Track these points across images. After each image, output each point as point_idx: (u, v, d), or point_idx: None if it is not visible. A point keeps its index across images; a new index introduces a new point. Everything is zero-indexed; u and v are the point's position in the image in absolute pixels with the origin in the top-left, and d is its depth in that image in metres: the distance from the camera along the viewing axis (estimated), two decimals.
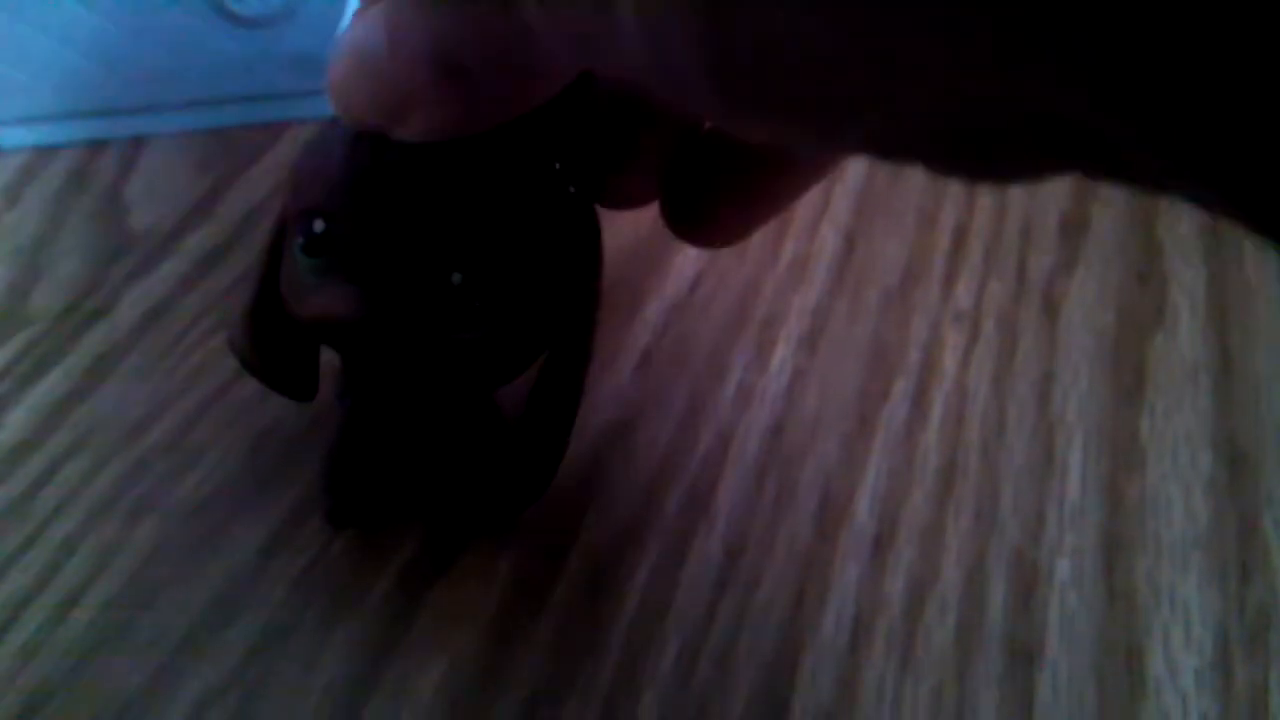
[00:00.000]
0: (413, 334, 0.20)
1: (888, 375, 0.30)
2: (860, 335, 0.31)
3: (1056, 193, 0.35)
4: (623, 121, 0.21)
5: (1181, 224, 0.35)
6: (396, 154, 0.19)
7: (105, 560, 0.25)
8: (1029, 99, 0.10)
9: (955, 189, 0.35)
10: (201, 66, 0.34)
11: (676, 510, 0.27)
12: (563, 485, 0.25)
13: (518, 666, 0.24)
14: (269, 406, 0.27)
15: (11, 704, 0.22)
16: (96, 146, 0.34)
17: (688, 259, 0.32)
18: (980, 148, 0.12)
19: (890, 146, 0.13)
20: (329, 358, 0.23)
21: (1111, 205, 0.35)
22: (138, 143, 0.35)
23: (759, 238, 0.33)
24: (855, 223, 0.34)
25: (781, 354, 0.30)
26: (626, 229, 0.32)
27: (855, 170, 0.35)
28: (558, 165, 0.21)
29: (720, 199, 0.21)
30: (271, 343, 0.23)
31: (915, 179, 0.35)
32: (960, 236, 0.34)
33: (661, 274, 0.32)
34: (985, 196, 0.35)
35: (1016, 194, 0.35)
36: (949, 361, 0.30)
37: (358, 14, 0.17)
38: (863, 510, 0.27)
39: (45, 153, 0.34)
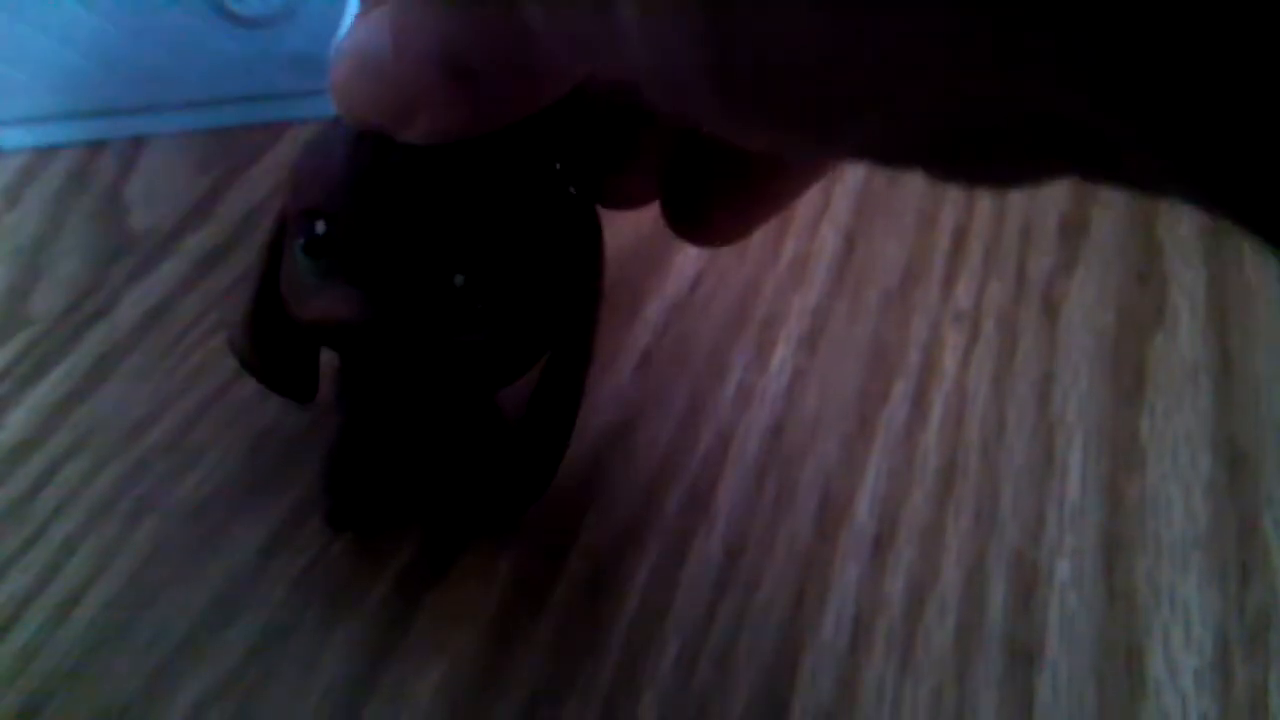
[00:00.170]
0: (415, 336, 0.20)
1: (888, 376, 0.30)
2: (860, 335, 0.31)
3: (1056, 194, 0.35)
4: (622, 122, 0.21)
5: (1181, 225, 0.35)
6: (399, 155, 0.19)
7: (105, 560, 0.25)
8: (1029, 99, 0.10)
9: (955, 190, 0.35)
10: (201, 67, 0.34)
11: (676, 510, 0.27)
12: (563, 485, 0.25)
13: (517, 667, 0.24)
14: (269, 407, 0.27)
15: (12, 704, 0.22)
16: (96, 147, 0.34)
17: (688, 259, 0.32)
18: (980, 150, 0.12)
19: (890, 151, 0.13)
20: (329, 358, 0.23)
21: (1111, 206, 0.35)
22: (138, 143, 0.35)
23: (759, 238, 0.33)
24: (855, 223, 0.34)
25: (781, 354, 0.30)
26: (627, 229, 0.32)
27: (855, 171, 0.35)
28: (558, 166, 0.21)
29: (719, 199, 0.21)
30: (272, 344, 0.23)
31: (915, 179, 0.35)
32: (960, 237, 0.34)
33: (662, 274, 0.32)
34: (985, 198, 0.35)
35: (1016, 195, 0.35)
36: (949, 362, 0.30)
37: (360, 16, 0.17)
38: (863, 510, 0.27)
39: (45, 153, 0.34)
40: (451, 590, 0.25)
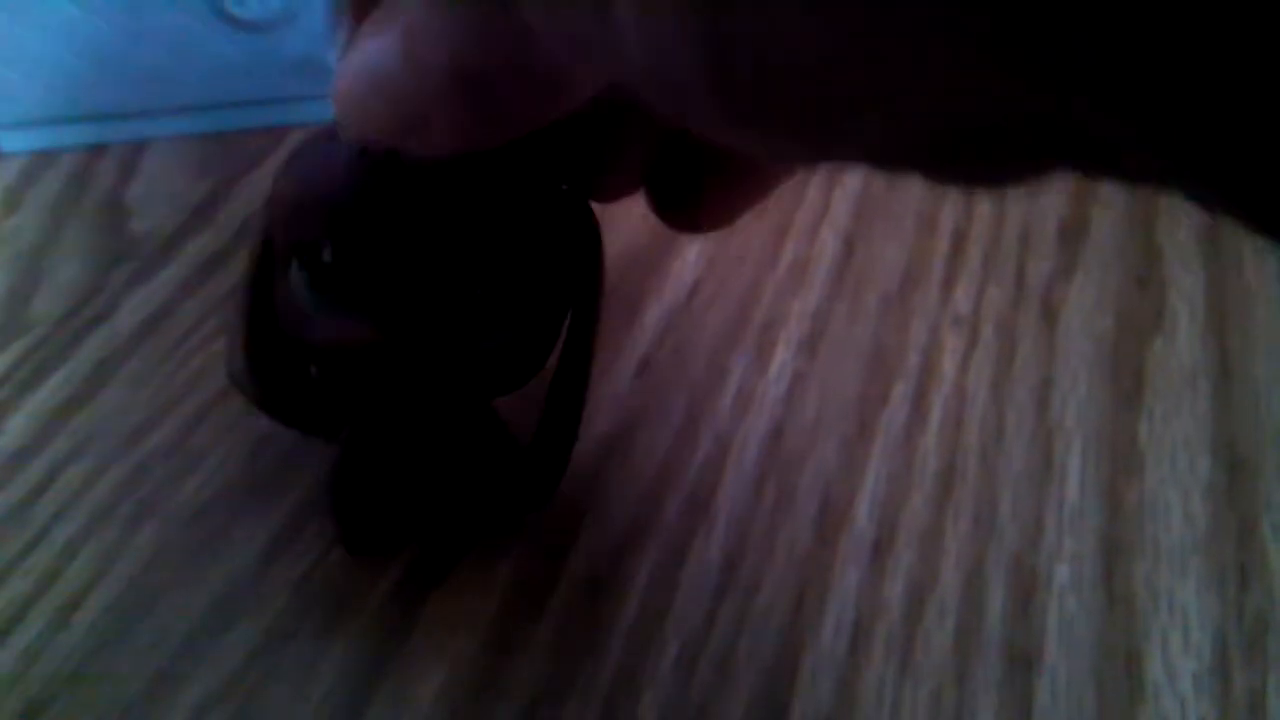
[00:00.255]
0: (438, 349, 0.20)
1: (887, 379, 0.30)
2: (859, 339, 0.31)
3: (1055, 198, 0.35)
4: (605, 117, 0.21)
5: (1180, 229, 0.35)
6: (404, 174, 0.18)
7: (106, 565, 0.25)
8: (1027, 99, 0.10)
9: (954, 193, 0.35)
10: (202, 71, 0.34)
11: (676, 514, 0.27)
12: (563, 489, 0.25)
13: (518, 670, 0.24)
14: None
15: (13, 707, 0.22)
16: (96, 151, 0.34)
17: (686, 265, 0.32)
18: (979, 150, 0.12)
19: (888, 154, 0.13)
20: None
21: (1110, 210, 0.35)
22: (138, 147, 0.35)
23: (758, 242, 0.33)
24: (855, 227, 0.34)
25: (781, 358, 0.30)
26: (625, 235, 0.32)
27: (855, 175, 0.35)
28: (552, 166, 0.21)
29: (706, 185, 0.21)
30: (279, 377, 0.22)
31: (914, 183, 0.35)
32: (959, 241, 0.34)
33: (660, 279, 0.32)
34: (984, 201, 0.35)
35: (1015, 199, 0.35)
36: (948, 366, 0.30)
37: (362, 34, 0.17)
38: (862, 515, 0.27)
39: (45, 157, 0.34)
40: (452, 594, 0.25)
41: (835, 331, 0.31)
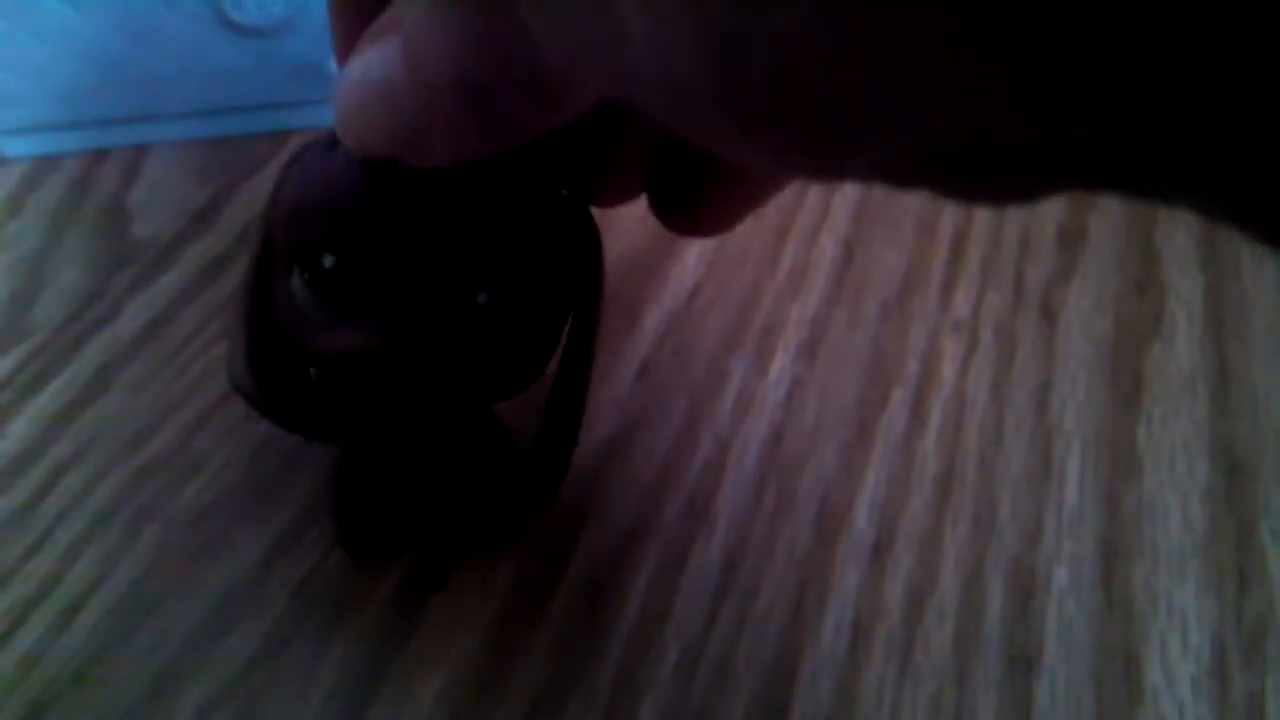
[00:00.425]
0: (441, 356, 0.20)
1: (886, 384, 0.30)
2: (859, 344, 0.31)
3: (1054, 203, 0.35)
4: (605, 122, 0.21)
5: (1179, 233, 0.35)
6: (406, 180, 0.18)
7: (107, 568, 0.25)
8: (1030, 103, 0.10)
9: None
10: (203, 76, 0.34)
11: (676, 518, 0.27)
12: (563, 493, 0.25)
13: (518, 674, 0.24)
14: None
15: (14, 711, 0.22)
16: (98, 156, 0.35)
17: (686, 269, 0.32)
18: (981, 163, 0.12)
19: (892, 166, 0.13)
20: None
21: (1109, 215, 0.35)
22: (139, 152, 0.35)
23: (758, 246, 0.33)
24: (854, 231, 0.34)
25: (780, 363, 0.30)
26: (625, 239, 0.32)
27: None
28: (553, 171, 0.21)
29: (705, 190, 0.21)
30: (280, 382, 0.22)
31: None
32: (958, 245, 0.34)
33: (660, 284, 0.32)
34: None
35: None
36: (947, 370, 0.30)
37: (363, 42, 0.17)
38: (861, 518, 0.27)
39: (47, 162, 0.34)
40: (452, 597, 0.25)
41: (835, 335, 0.31)
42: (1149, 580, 0.26)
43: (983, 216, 0.35)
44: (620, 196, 0.23)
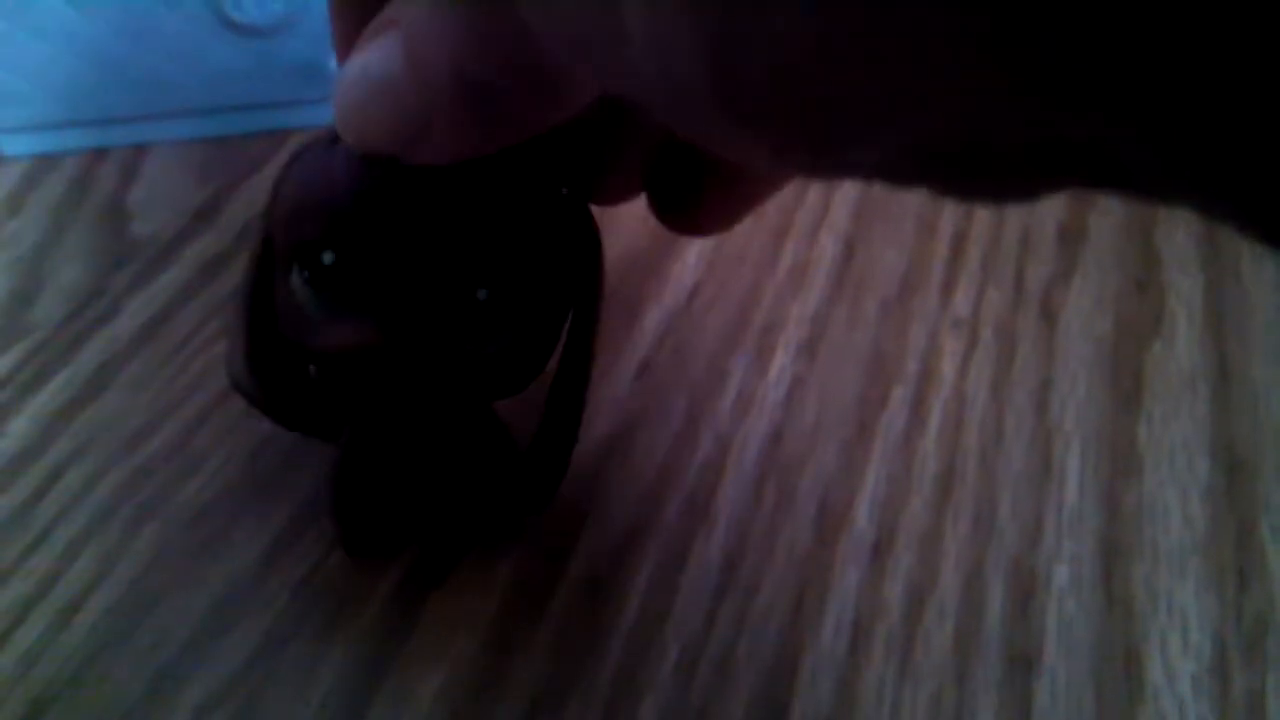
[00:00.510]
0: (439, 353, 0.20)
1: (886, 382, 0.30)
2: (859, 342, 0.31)
3: (1054, 202, 0.35)
4: (605, 120, 0.21)
5: (1179, 233, 0.35)
6: (406, 176, 0.18)
7: (107, 567, 0.25)
8: (1031, 101, 0.10)
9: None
10: (203, 75, 0.34)
11: (676, 517, 0.27)
12: (563, 491, 0.25)
13: (517, 672, 0.24)
14: None
15: (14, 709, 0.22)
16: (98, 155, 0.35)
17: (686, 268, 0.32)
18: (983, 163, 0.12)
19: (892, 165, 0.13)
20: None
21: (1109, 214, 0.35)
22: (139, 151, 0.35)
23: (758, 244, 0.33)
24: (854, 230, 0.34)
25: (780, 361, 0.30)
26: (625, 237, 0.32)
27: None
28: (553, 169, 0.21)
29: (705, 189, 0.21)
30: (279, 380, 0.22)
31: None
32: (959, 244, 0.34)
33: (660, 283, 0.32)
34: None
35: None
36: (947, 369, 0.30)
37: (363, 40, 0.17)
38: (862, 516, 0.27)
39: (47, 161, 0.34)
40: (452, 596, 0.25)
41: (835, 334, 0.31)
42: (1149, 579, 0.26)
43: (983, 215, 0.35)
44: (620, 195, 0.23)
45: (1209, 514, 0.28)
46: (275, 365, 0.22)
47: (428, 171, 0.18)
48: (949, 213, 0.35)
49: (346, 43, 0.18)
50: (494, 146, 0.17)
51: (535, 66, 0.15)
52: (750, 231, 0.33)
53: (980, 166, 0.12)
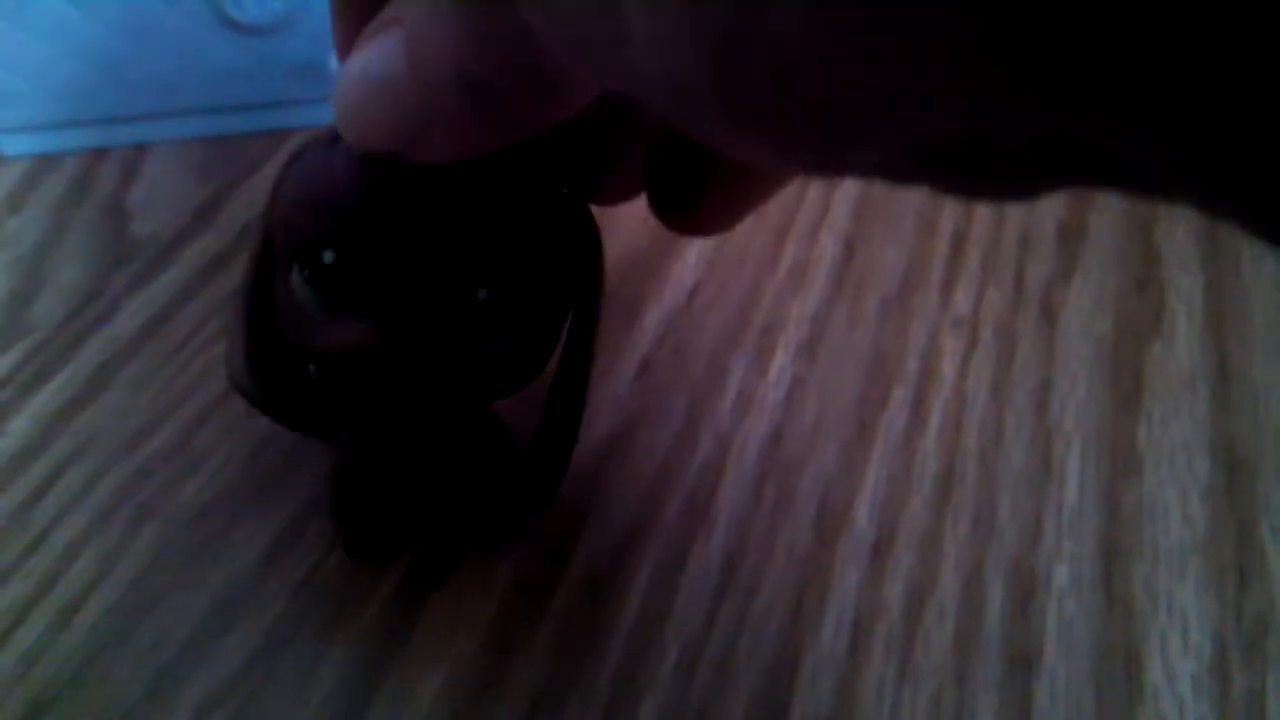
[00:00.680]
0: (439, 352, 0.20)
1: (886, 382, 0.30)
2: (859, 342, 0.31)
3: (1054, 201, 0.35)
4: (605, 120, 0.21)
5: (1179, 231, 0.35)
6: (406, 176, 0.18)
7: (106, 567, 0.25)
8: (1032, 101, 0.10)
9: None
10: (203, 74, 0.34)
11: (676, 517, 0.27)
12: (563, 491, 0.25)
13: (517, 672, 0.24)
14: None
15: (14, 709, 0.22)
16: (98, 154, 0.35)
17: (686, 267, 0.32)
18: (984, 162, 0.12)
19: (894, 164, 0.13)
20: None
21: (1109, 213, 0.35)
22: (139, 151, 0.35)
23: (758, 244, 0.33)
24: (854, 229, 0.34)
25: (780, 361, 0.30)
26: (625, 237, 0.32)
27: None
28: (553, 168, 0.21)
29: (705, 189, 0.21)
30: (280, 380, 0.22)
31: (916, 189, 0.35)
32: (959, 243, 0.34)
33: (660, 282, 0.32)
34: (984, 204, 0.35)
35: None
36: (947, 369, 0.30)
37: (364, 40, 0.17)
38: (862, 517, 0.27)
39: (47, 161, 0.34)
40: (452, 596, 0.25)
41: (835, 334, 0.31)
42: (1149, 579, 0.26)
43: (983, 214, 0.35)
44: (620, 194, 0.23)
45: (1209, 514, 0.28)
46: (275, 365, 0.22)
47: (428, 171, 0.18)
48: (949, 212, 0.35)
49: (347, 42, 0.18)
50: (494, 146, 0.17)
51: (536, 66, 0.15)
52: (750, 231, 0.33)
53: (981, 166, 0.12)
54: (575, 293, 0.22)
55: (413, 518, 0.25)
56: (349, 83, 0.17)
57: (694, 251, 0.33)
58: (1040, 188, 0.13)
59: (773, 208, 0.34)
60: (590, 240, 0.22)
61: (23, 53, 0.33)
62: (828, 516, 0.27)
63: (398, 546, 0.26)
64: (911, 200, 0.35)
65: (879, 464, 0.28)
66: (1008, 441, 0.29)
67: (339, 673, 0.24)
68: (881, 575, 0.26)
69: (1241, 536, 0.27)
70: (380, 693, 0.23)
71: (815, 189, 0.35)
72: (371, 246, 0.19)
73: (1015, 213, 0.35)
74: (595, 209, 0.22)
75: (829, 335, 0.31)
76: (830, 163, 0.13)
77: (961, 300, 0.32)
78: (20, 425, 0.27)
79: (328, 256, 0.19)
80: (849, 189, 0.35)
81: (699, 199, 0.21)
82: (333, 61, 0.20)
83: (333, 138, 0.19)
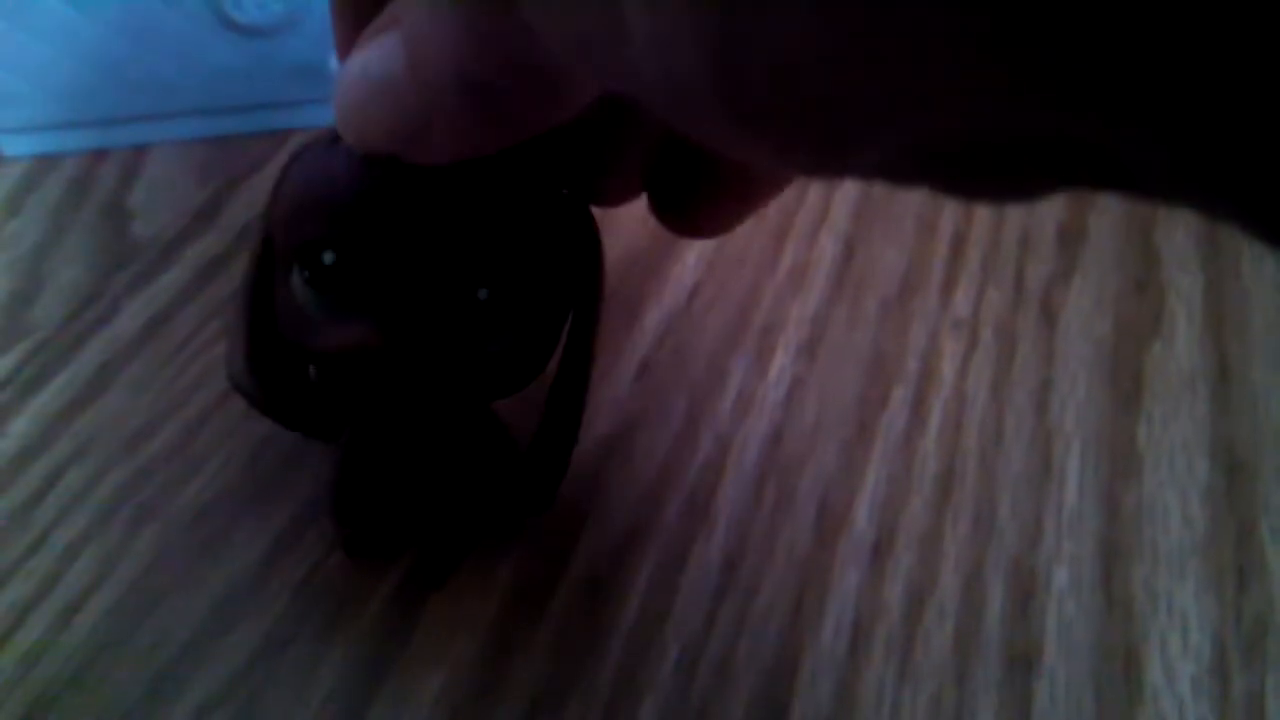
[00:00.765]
0: (439, 353, 0.20)
1: (886, 383, 0.30)
2: (859, 343, 0.31)
3: (1054, 202, 0.35)
4: (605, 121, 0.21)
5: (1178, 232, 0.35)
6: (406, 176, 0.18)
7: (107, 568, 0.25)
8: (1033, 101, 0.10)
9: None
10: (203, 75, 0.34)
11: (676, 517, 0.27)
12: (563, 492, 0.25)
13: (517, 673, 0.24)
14: None
15: (14, 710, 0.22)
16: (98, 155, 0.35)
17: (686, 268, 0.32)
18: (984, 164, 0.12)
19: (893, 165, 0.13)
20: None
21: (1109, 214, 0.35)
22: (139, 152, 0.35)
23: (758, 245, 0.33)
24: (854, 230, 0.34)
25: (780, 362, 0.30)
26: (624, 238, 0.32)
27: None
28: (553, 169, 0.21)
29: (705, 190, 0.21)
30: (280, 381, 0.22)
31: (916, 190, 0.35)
32: (959, 244, 0.34)
33: (660, 283, 0.32)
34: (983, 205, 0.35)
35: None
36: (947, 369, 0.30)
37: (364, 40, 0.17)
38: (861, 517, 0.27)
39: (47, 161, 0.34)
40: (452, 597, 0.25)
41: (835, 334, 0.31)
42: (1149, 580, 0.26)
43: (983, 215, 0.35)
44: (620, 196, 0.23)
45: (1209, 515, 0.28)
46: (275, 366, 0.22)
47: (428, 171, 0.18)
48: (949, 213, 0.35)
49: (347, 43, 0.18)
50: (495, 147, 0.17)
51: (536, 66, 0.15)
52: (750, 232, 0.33)
53: (981, 166, 0.12)
54: (575, 293, 0.22)
55: (413, 518, 0.25)
56: (349, 83, 0.17)
57: (694, 252, 0.33)
58: (1040, 189, 0.13)
59: (773, 209, 0.34)
60: (590, 241, 0.22)
61: (23, 54, 0.33)
62: (828, 517, 0.27)
63: (398, 547, 0.26)
64: (911, 201, 0.35)
65: (879, 464, 0.28)
66: (1007, 442, 0.29)
67: (339, 673, 0.24)
68: (881, 576, 0.26)
69: (1241, 537, 0.27)
70: (380, 693, 0.23)
71: (815, 190, 0.35)
72: (372, 247, 0.19)
73: (1015, 214, 0.35)
74: (595, 210, 0.22)
75: (829, 336, 0.31)
76: (830, 163, 0.13)
77: (961, 301, 0.32)
78: (21, 426, 0.27)
79: (328, 257, 0.19)
80: (849, 190, 0.35)
81: (699, 200, 0.21)
82: (333, 62, 0.20)
83: (333, 138, 0.19)
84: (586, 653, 0.24)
